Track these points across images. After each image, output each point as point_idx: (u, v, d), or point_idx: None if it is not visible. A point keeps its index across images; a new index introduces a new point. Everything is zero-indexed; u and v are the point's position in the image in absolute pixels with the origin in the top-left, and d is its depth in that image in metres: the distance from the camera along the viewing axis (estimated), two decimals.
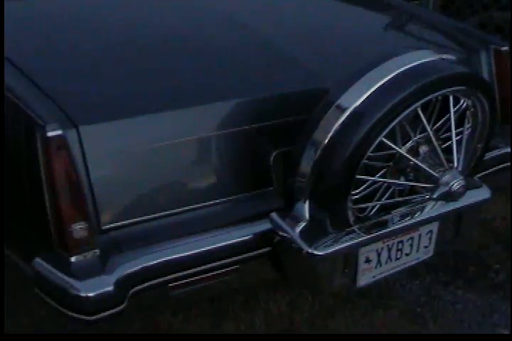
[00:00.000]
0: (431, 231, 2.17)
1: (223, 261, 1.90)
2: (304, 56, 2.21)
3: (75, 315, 1.69)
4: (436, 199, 2.01)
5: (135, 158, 1.82)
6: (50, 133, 1.64)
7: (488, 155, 2.29)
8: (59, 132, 1.65)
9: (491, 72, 2.48)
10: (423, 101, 1.87)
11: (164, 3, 2.49)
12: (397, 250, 2.10)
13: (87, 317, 1.69)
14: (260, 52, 2.22)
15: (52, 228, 1.69)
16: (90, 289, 1.66)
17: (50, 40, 2.13)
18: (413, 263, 2.19)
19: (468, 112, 2.07)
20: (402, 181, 2.02)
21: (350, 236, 1.92)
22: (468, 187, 1.99)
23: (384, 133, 1.82)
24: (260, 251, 1.95)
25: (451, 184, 1.94)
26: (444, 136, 2.07)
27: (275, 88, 2.06)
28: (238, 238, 1.91)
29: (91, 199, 1.75)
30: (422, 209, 2.05)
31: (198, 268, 1.86)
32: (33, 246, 1.80)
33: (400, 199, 2.05)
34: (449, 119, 1.99)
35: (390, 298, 2.64)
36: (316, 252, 1.85)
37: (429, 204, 2.06)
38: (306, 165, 1.86)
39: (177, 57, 2.14)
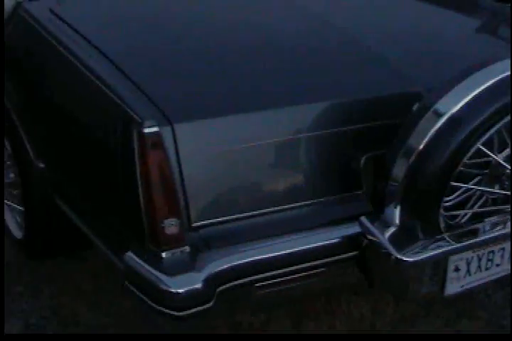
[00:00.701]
0: None
1: (310, 263, 1.89)
2: (395, 58, 2.19)
3: (164, 310, 1.71)
4: None
5: (226, 157, 1.84)
6: (146, 130, 1.66)
7: None
8: (155, 129, 1.67)
9: None
10: None
11: (256, 4, 2.50)
12: (488, 260, 2.04)
13: (175, 313, 1.70)
14: (351, 53, 2.21)
15: (145, 223, 1.72)
16: (180, 285, 1.68)
17: (146, 38, 2.17)
18: (503, 274, 2.12)
19: None
20: (496, 189, 1.97)
21: (441, 243, 1.89)
22: None
23: (482, 140, 1.78)
24: (347, 254, 1.93)
25: None
26: None
27: (367, 90, 2.04)
28: (326, 240, 1.90)
29: (183, 197, 1.77)
30: None
31: (285, 270, 1.86)
32: (125, 241, 1.83)
33: (493, 208, 2.00)
34: None
35: (474, 308, 2.58)
36: (405, 258, 1.82)
37: None
38: (399, 170, 1.83)
39: (271, 58, 2.14)
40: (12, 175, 2.61)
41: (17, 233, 2.70)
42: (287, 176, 1.94)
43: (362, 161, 1.97)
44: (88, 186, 2.06)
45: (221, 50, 2.15)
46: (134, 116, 1.72)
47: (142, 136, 1.66)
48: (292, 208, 1.92)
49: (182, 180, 1.77)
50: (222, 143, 1.83)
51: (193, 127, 1.79)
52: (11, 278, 2.60)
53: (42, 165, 2.28)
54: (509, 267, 2.12)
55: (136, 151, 1.68)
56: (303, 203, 1.94)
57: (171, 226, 1.70)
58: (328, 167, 1.97)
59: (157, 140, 1.68)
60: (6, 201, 2.71)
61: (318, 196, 1.96)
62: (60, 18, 2.21)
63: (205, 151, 1.81)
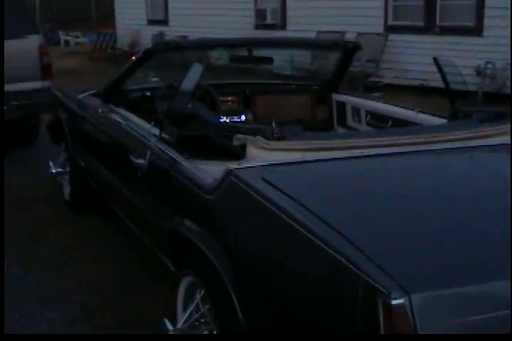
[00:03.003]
0: None
1: None
2: None
3: None
4: None
5: (455, 326, 1.87)
6: (394, 302, 1.74)
7: None
8: (401, 301, 1.74)
9: None
10: None
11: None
12: None
13: None
14: None
15: None
16: None
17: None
18: None
19: None
20: None
21: None
22: None
23: None
24: None
25: None
26: None
27: None
28: None
29: None
30: None
31: None
32: None
33: None
34: None
35: None
36: None
37: None
38: None
39: (481, 224, 2.22)
40: (205, 331, 2.68)
41: None
42: None
43: None
44: None
45: (436, 216, 2.26)
46: (380, 287, 1.80)
47: (389, 307, 1.73)
48: None
49: None
50: (452, 314, 1.87)
51: (427, 297, 1.84)
52: None
53: (246, 322, 2.35)
54: None
55: (381, 321, 1.75)
56: None
57: None
58: None
59: (403, 310, 1.74)
60: None
61: None
62: (275, 186, 2.37)
63: (436, 320, 1.86)
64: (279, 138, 2.72)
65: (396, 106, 4.29)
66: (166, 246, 3.03)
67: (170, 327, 2.73)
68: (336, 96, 4.81)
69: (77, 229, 4.61)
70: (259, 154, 2.71)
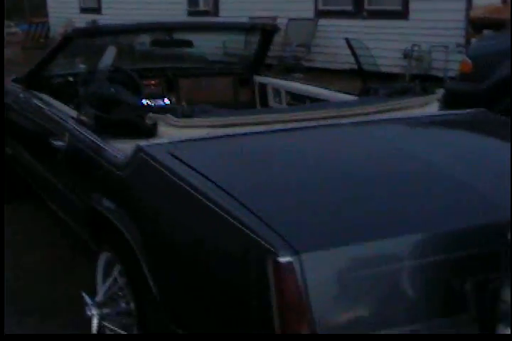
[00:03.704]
0: None
1: None
2: (488, 190, 2.39)
3: None
4: None
5: (345, 282, 2.03)
6: (282, 259, 1.87)
7: None
8: (289, 258, 1.88)
9: None
10: None
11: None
12: None
13: None
14: (453, 187, 2.42)
15: None
16: None
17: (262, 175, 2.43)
18: None
19: None
20: None
21: None
22: None
23: None
24: None
25: None
26: None
27: (468, 219, 2.25)
28: None
29: (311, 319, 1.94)
30: None
31: None
32: None
33: None
34: None
35: None
36: None
37: None
38: (508, 293, 1.98)
39: (384, 190, 2.39)
40: (123, 305, 2.79)
41: None
42: (401, 301, 2.10)
43: (467, 285, 2.13)
44: (214, 312, 2.23)
45: (334, 184, 2.42)
46: (269, 246, 1.93)
47: (278, 265, 1.87)
48: (405, 328, 2.07)
49: (309, 305, 1.95)
50: (341, 270, 2.02)
51: (317, 255, 1.99)
52: None
53: (159, 294, 2.47)
54: None
55: (270, 279, 1.88)
56: (415, 324, 2.09)
57: None
58: (435, 291, 2.13)
59: (290, 268, 1.88)
60: (114, 328, 2.86)
61: (427, 318, 2.11)
62: (182, 161, 2.48)
63: (327, 278, 2.00)
64: (188, 116, 2.84)
65: (315, 86, 4.45)
66: (85, 223, 3.12)
67: (89, 300, 2.82)
68: (258, 78, 4.94)
69: (8, 216, 4.65)
70: (169, 131, 2.82)
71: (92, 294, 2.91)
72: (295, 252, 1.94)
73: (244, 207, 2.14)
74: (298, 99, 4.45)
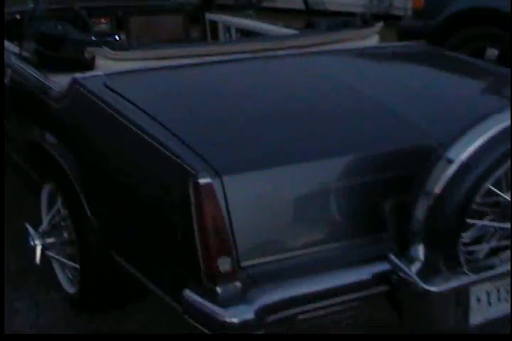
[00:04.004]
0: None
1: (344, 298, 2.13)
2: (413, 117, 2.47)
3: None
4: None
5: (268, 205, 2.11)
6: (201, 181, 1.94)
7: None
8: (208, 180, 1.95)
9: None
10: None
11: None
12: (506, 291, 2.26)
13: None
14: (379, 114, 2.51)
15: (202, 263, 1.97)
16: (234, 316, 1.91)
17: (193, 105, 2.49)
18: None
19: None
20: (506, 225, 2.20)
21: (462, 276, 2.12)
22: None
23: (490, 181, 2.03)
24: (378, 290, 2.17)
25: None
26: None
27: (390, 144, 2.34)
28: (357, 277, 2.14)
29: (233, 240, 2.03)
30: None
31: (323, 303, 2.10)
32: (181, 282, 2.08)
33: (507, 242, 2.23)
34: None
35: None
36: (431, 289, 2.05)
37: None
38: (421, 213, 2.08)
39: (305, 118, 2.45)
40: (66, 234, 2.87)
41: (70, 289, 2.94)
42: (323, 221, 2.20)
43: (386, 206, 2.23)
44: (145, 236, 2.32)
45: (263, 112, 2.49)
46: (190, 169, 2.00)
47: (197, 186, 1.94)
48: (326, 249, 2.17)
49: (231, 225, 2.03)
50: (265, 193, 2.10)
51: (239, 178, 2.06)
52: None
53: (97, 222, 2.55)
54: None
55: (191, 199, 1.96)
56: (335, 244, 2.19)
57: (224, 264, 1.96)
58: (356, 212, 2.23)
59: (210, 189, 1.95)
60: (58, 257, 2.95)
61: (349, 237, 2.22)
62: (116, 92, 2.53)
63: (251, 199, 2.09)
64: (124, 49, 2.86)
65: (264, 23, 4.45)
66: (28, 157, 3.16)
67: (32, 231, 2.89)
68: (209, 16, 4.92)
69: None
70: (106, 64, 2.84)
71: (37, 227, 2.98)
72: (216, 174, 2.02)
73: (170, 133, 2.20)
74: (248, 36, 4.46)
